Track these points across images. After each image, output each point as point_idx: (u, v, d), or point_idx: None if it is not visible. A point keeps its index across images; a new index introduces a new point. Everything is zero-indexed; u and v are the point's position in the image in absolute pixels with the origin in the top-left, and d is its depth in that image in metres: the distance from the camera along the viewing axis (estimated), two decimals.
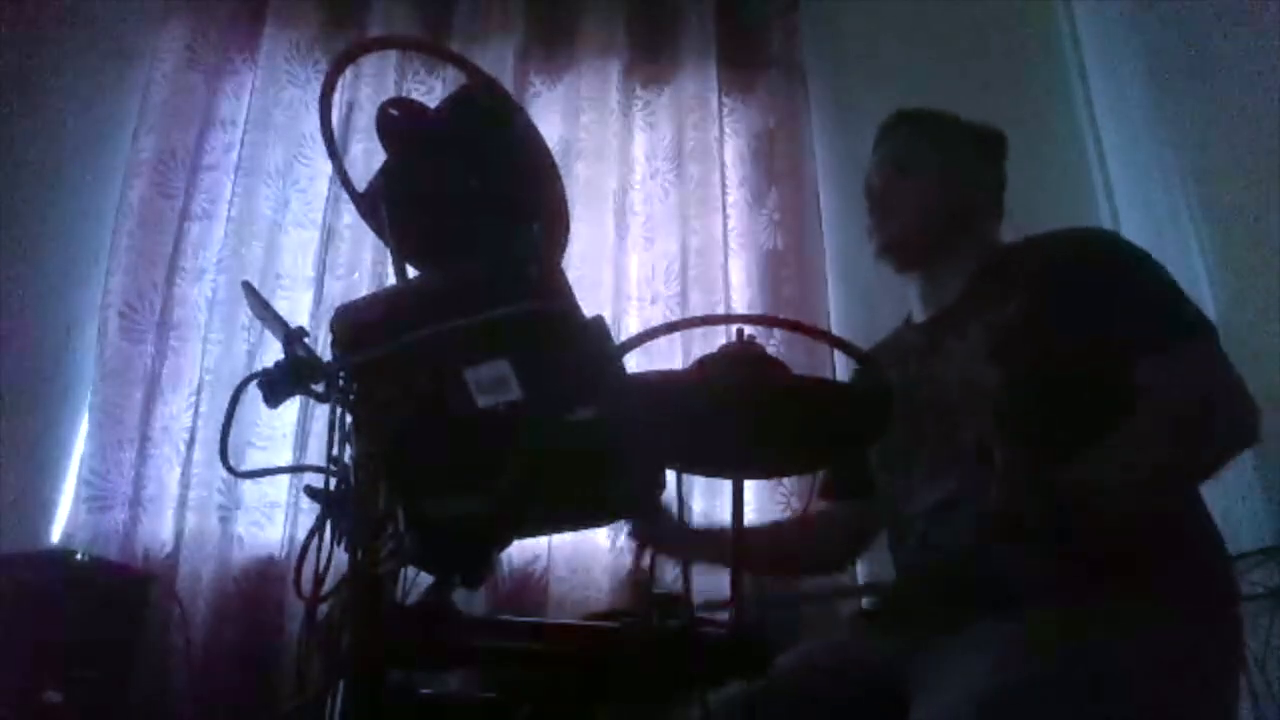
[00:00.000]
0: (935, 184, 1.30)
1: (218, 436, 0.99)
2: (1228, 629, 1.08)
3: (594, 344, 0.79)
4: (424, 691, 0.84)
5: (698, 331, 2.01)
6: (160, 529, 1.96)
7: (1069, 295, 1.12)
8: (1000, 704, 0.92)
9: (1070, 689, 0.93)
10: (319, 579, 0.78)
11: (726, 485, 0.98)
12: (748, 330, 0.98)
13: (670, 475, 0.99)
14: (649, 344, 1.32)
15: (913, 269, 1.32)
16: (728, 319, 2.04)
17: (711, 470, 1.13)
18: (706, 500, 2.02)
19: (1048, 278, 1.15)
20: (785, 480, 2.07)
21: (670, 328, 1.92)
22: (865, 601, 1.30)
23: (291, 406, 1.86)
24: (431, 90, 2.37)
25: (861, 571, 1.96)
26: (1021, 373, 1.11)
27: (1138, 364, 1.07)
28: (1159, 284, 1.13)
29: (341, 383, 0.80)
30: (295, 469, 1.99)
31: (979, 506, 1.04)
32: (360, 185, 0.94)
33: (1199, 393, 1.07)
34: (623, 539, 1.80)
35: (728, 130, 2.45)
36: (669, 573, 1.33)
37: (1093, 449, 1.04)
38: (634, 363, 1.03)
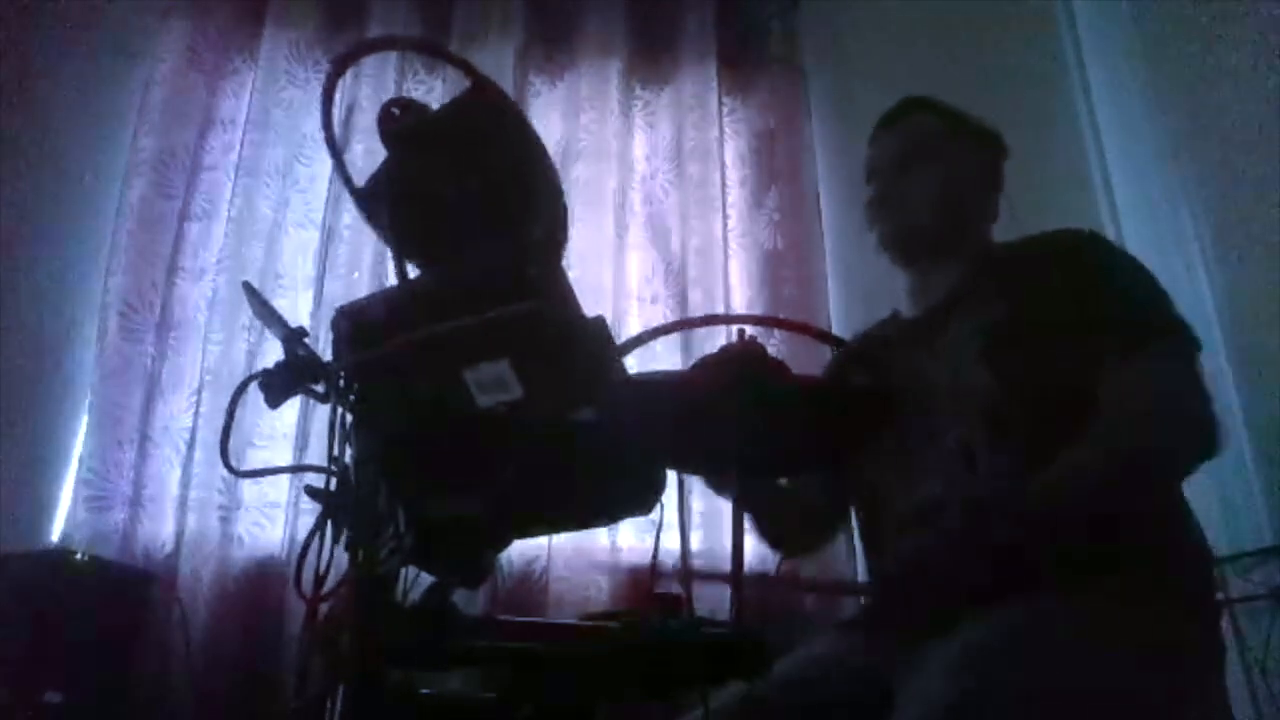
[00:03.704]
0: (944, 176, 1.29)
1: (218, 436, 0.99)
2: (1207, 627, 1.08)
3: (594, 344, 0.79)
4: (424, 691, 0.84)
5: (698, 331, 2.01)
6: (160, 529, 1.96)
7: (1049, 298, 1.12)
8: (974, 706, 0.91)
9: (1049, 689, 0.93)
10: (319, 579, 0.78)
11: None
12: (748, 330, 0.98)
13: (670, 475, 0.99)
14: (649, 344, 1.33)
15: (915, 263, 1.32)
16: (729, 319, 2.04)
17: (712, 470, 1.13)
18: (706, 500, 2.02)
19: (1031, 280, 1.15)
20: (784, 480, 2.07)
21: (672, 327, 1.93)
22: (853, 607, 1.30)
23: (291, 406, 1.86)
24: (431, 90, 2.38)
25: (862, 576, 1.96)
26: (1007, 375, 1.11)
27: (1102, 368, 1.07)
28: (1132, 287, 1.12)
29: (342, 383, 0.79)
30: (295, 469, 1.99)
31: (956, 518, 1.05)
32: (361, 185, 0.94)
33: (1147, 400, 1.05)
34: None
35: (728, 130, 2.45)
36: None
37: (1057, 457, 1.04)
38: (634, 363, 1.03)
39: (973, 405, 1.13)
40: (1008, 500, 1.03)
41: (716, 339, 1.86)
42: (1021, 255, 1.23)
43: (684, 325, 1.99)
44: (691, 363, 1.03)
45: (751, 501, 1.28)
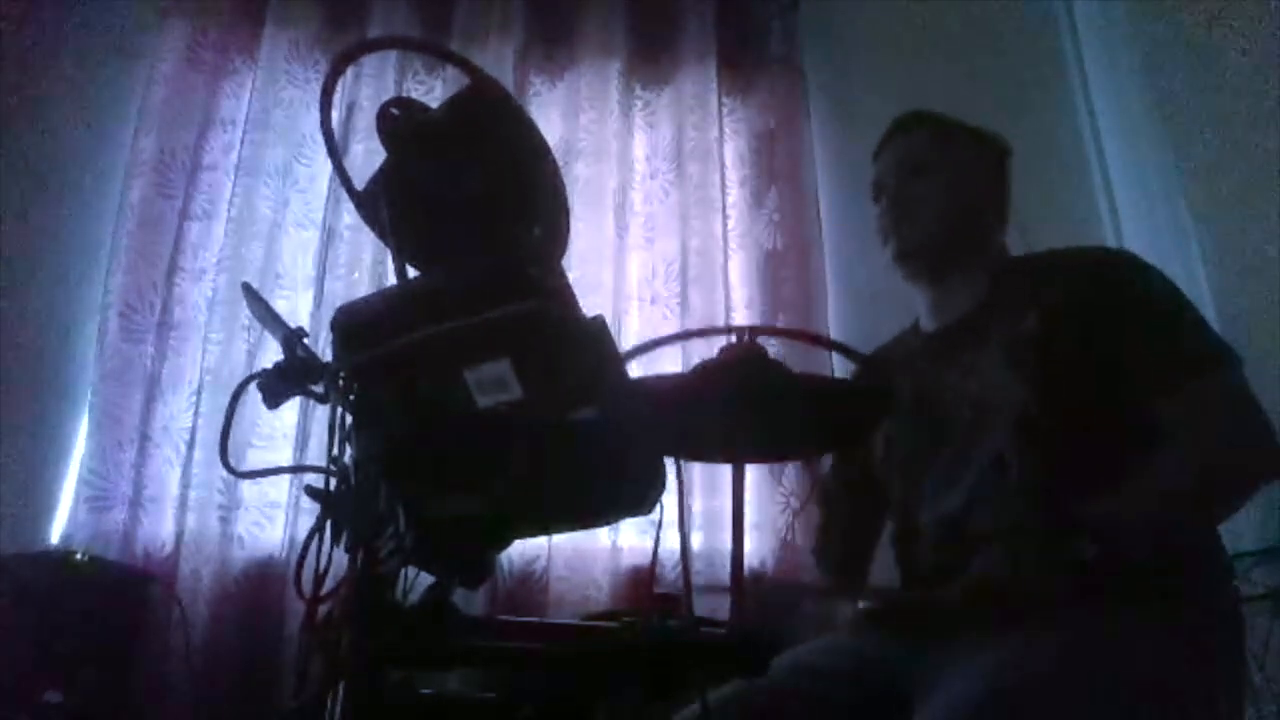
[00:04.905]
0: (951, 186, 1.29)
1: (218, 436, 0.99)
2: (1229, 633, 1.08)
3: (594, 344, 0.79)
4: (424, 691, 0.84)
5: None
6: (160, 529, 1.96)
7: (1086, 320, 1.11)
8: (1001, 705, 0.92)
9: (1071, 691, 0.94)
10: (319, 579, 0.78)
11: (727, 485, 0.98)
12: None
13: (670, 475, 0.99)
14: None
15: (928, 276, 1.31)
16: (731, 329, 2.03)
17: (710, 453, 1.13)
18: (706, 500, 2.03)
19: (1065, 298, 1.15)
20: (785, 480, 2.07)
21: (677, 338, 1.92)
22: (864, 603, 1.30)
23: (291, 406, 1.85)
24: (431, 90, 2.38)
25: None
26: (1041, 387, 1.11)
27: (1156, 401, 1.07)
28: (1175, 316, 1.13)
29: (341, 383, 0.79)
30: (295, 469, 1.99)
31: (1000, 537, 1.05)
32: (360, 185, 0.94)
33: (1219, 438, 1.07)
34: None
35: (728, 130, 2.45)
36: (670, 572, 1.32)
37: (1115, 486, 1.03)
38: (634, 366, 1.03)
39: (1004, 417, 1.13)
40: (1095, 523, 1.01)
41: (717, 340, 1.85)
42: (1050, 268, 1.22)
43: (691, 335, 1.98)
44: (693, 365, 1.04)
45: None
